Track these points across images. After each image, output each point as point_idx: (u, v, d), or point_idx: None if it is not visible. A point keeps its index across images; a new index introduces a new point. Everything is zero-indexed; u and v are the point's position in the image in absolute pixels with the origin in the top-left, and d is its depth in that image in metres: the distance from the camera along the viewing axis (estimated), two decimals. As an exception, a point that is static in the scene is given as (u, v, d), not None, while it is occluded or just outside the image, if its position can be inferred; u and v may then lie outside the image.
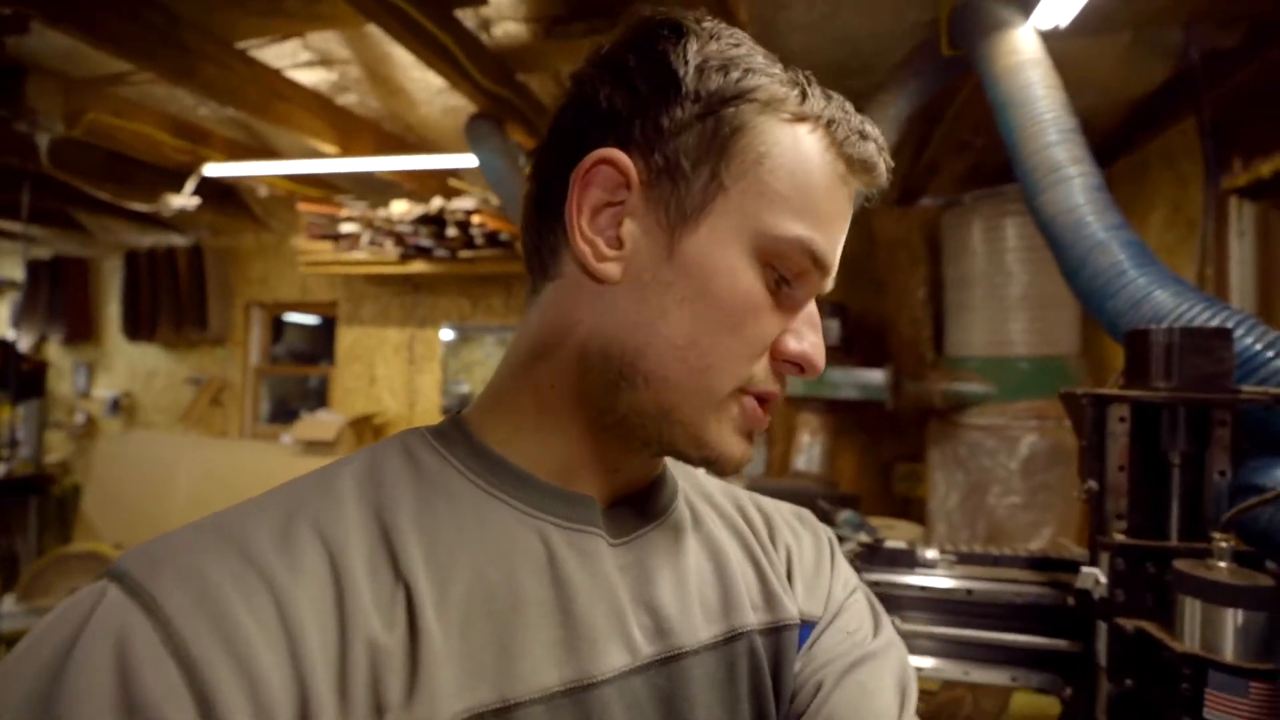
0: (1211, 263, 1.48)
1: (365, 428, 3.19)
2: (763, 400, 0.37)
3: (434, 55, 1.58)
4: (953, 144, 1.94)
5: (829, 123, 0.35)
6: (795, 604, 0.42)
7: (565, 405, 0.36)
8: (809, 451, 2.39)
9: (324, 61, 2.00)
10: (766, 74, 0.34)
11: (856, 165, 0.36)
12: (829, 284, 0.37)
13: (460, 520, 0.33)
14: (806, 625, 0.41)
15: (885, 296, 2.58)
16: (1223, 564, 0.68)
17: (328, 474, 0.34)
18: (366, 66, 2.00)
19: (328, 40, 1.86)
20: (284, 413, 3.86)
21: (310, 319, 4.22)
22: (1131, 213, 1.54)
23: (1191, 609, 0.69)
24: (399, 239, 2.68)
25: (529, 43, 1.75)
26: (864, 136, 0.36)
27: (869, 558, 0.92)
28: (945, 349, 2.18)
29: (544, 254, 0.37)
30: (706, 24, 0.35)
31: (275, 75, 1.95)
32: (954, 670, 0.87)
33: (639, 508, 0.39)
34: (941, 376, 2.05)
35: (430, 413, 3.40)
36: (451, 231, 2.53)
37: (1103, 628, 0.77)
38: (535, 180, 0.38)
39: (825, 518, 1.84)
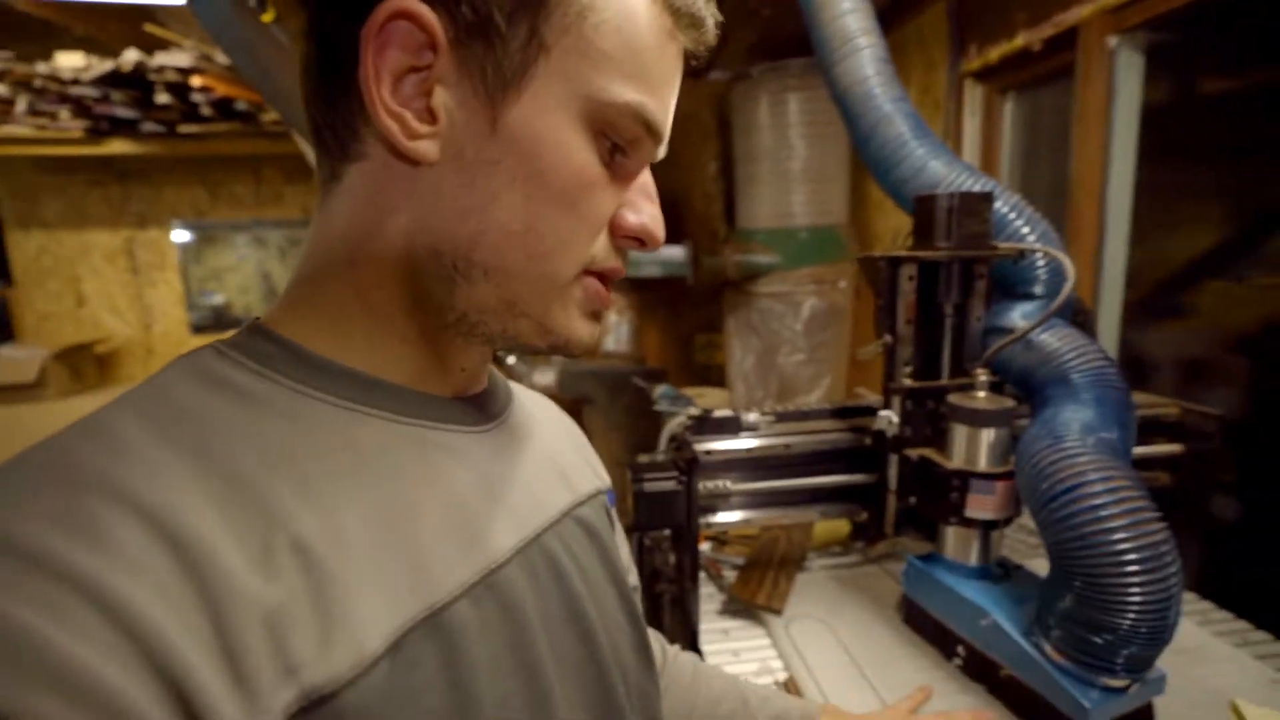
0: (952, 138, 1.70)
1: (83, 359, 2.54)
2: (604, 278, 0.36)
3: None
4: (742, 13, 1.93)
5: None
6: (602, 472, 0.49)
7: (397, 307, 0.33)
8: (617, 331, 2.44)
9: None
10: None
11: (684, 20, 0.33)
12: (662, 150, 0.36)
13: (319, 443, 0.30)
14: (609, 491, 0.49)
15: (678, 173, 2.61)
16: (981, 394, 0.82)
17: (100, 427, 0.27)
18: None
19: None
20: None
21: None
22: (893, 89, 1.69)
23: (959, 434, 0.82)
24: (80, 106, 2.02)
25: None
26: None
27: (699, 428, 0.96)
28: (736, 223, 2.29)
29: (339, 131, 0.32)
30: None
31: None
32: (775, 516, 0.97)
33: (485, 400, 0.40)
34: (734, 249, 2.17)
35: (176, 333, 2.81)
36: (163, 98, 1.96)
37: (894, 459, 0.90)
38: (314, 36, 0.31)
39: (642, 393, 1.92)
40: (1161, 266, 1.49)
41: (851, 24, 1.12)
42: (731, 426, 0.96)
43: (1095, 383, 0.78)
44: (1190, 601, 0.99)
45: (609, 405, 2.16)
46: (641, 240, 0.35)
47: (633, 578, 0.52)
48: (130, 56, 1.87)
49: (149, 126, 2.07)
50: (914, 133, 1.04)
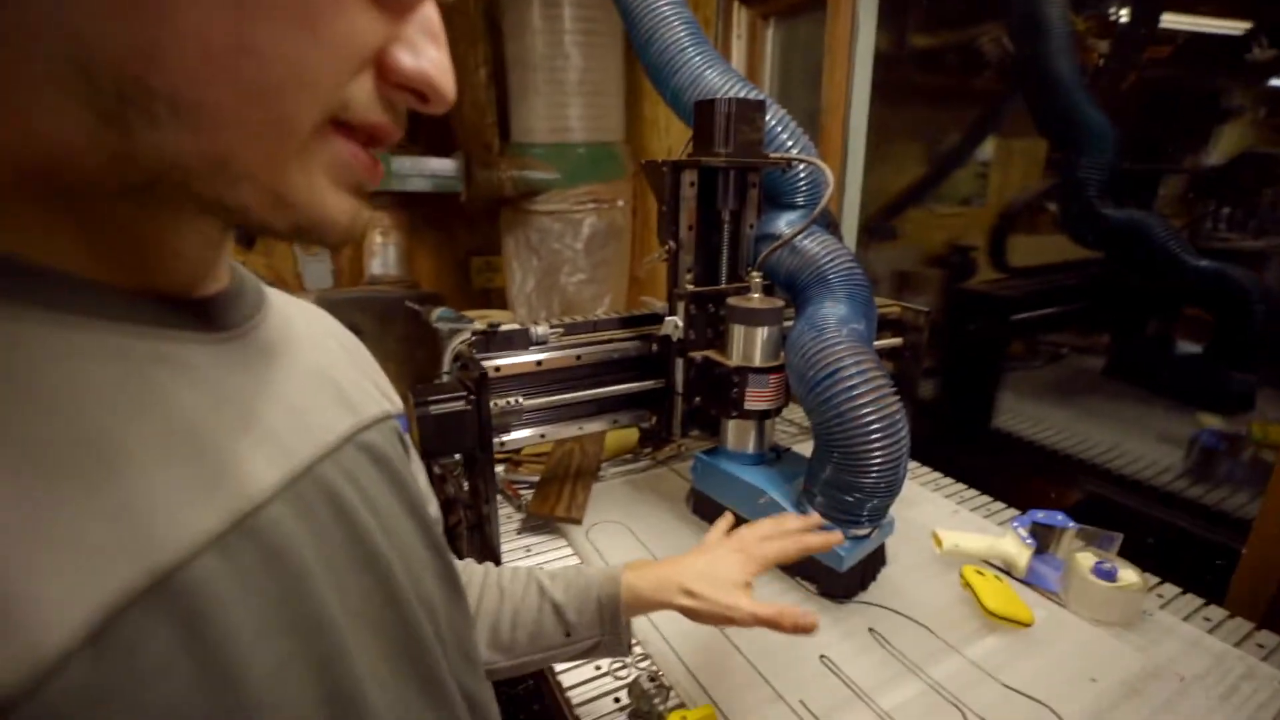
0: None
1: None
2: (371, 138, 0.26)
3: None
4: (507, -107, 1.74)
5: None
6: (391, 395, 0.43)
7: (55, 161, 0.21)
8: (384, 254, 2.19)
9: None
10: None
11: None
12: None
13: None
14: (400, 416, 0.43)
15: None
16: (755, 296, 0.88)
17: None
18: None
19: None
20: None
21: None
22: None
23: (737, 334, 0.88)
24: None
25: None
26: None
27: (485, 344, 0.90)
28: (511, 136, 2.16)
29: None
30: None
31: None
32: (569, 430, 0.96)
33: (223, 301, 0.30)
34: (509, 164, 2.05)
35: None
36: None
37: (679, 363, 0.94)
38: None
39: (418, 319, 1.76)
40: (881, 195, 1.75)
41: (628, -85, 1.06)
42: (520, 341, 0.91)
43: (847, 281, 0.88)
44: (911, 466, 1.22)
45: (380, 335, 1.95)
46: (422, 93, 0.26)
47: (433, 508, 0.45)
48: None
49: None
50: (692, 40, 1.03)
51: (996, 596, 0.79)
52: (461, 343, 0.91)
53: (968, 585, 0.81)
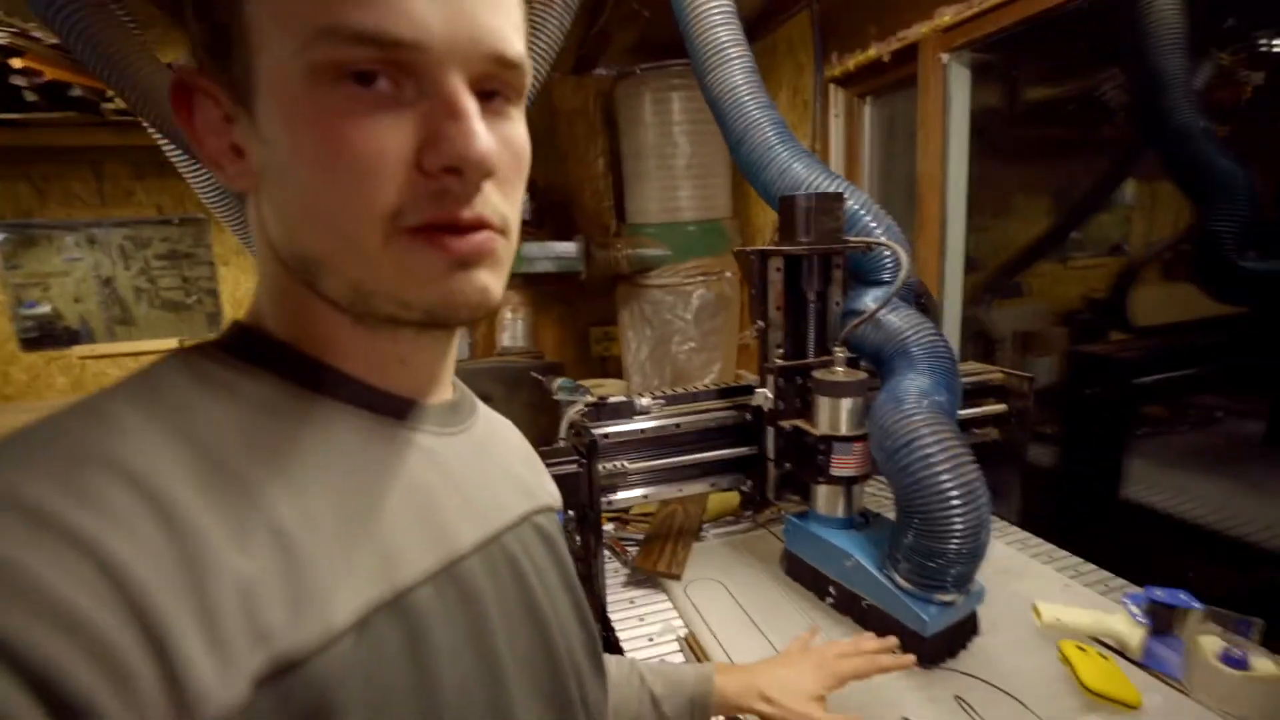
0: (820, 138, 1.87)
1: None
2: (448, 230, 0.31)
3: None
4: (622, 14, 2.00)
5: None
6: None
7: (318, 307, 0.34)
8: (513, 328, 2.45)
9: None
10: None
11: None
12: (459, 49, 0.30)
13: (299, 435, 0.32)
14: (560, 512, 0.51)
15: (567, 168, 2.66)
16: (840, 369, 0.95)
17: (94, 407, 0.29)
18: None
19: None
20: None
21: None
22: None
23: (823, 404, 0.94)
24: None
25: None
26: None
27: (596, 414, 1.03)
28: (626, 217, 2.37)
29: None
30: None
31: None
32: (670, 491, 1.06)
33: (452, 408, 0.41)
34: (625, 243, 2.25)
35: (3, 350, 2.49)
36: (-22, 81, 1.75)
37: (770, 431, 1.02)
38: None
39: (541, 388, 1.96)
40: (1001, 252, 1.73)
41: (723, 35, 1.21)
42: (626, 411, 1.03)
43: (929, 355, 0.93)
44: (1014, 531, 1.18)
45: (508, 401, 2.18)
46: (457, 169, 0.30)
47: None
48: None
49: (-43, 114, 1.83)
50: (779, 138, 1.15)
51: (1098, 674, 0.77)
52: (576, 412, 1.06)
53: (1066, 660, 0.80)
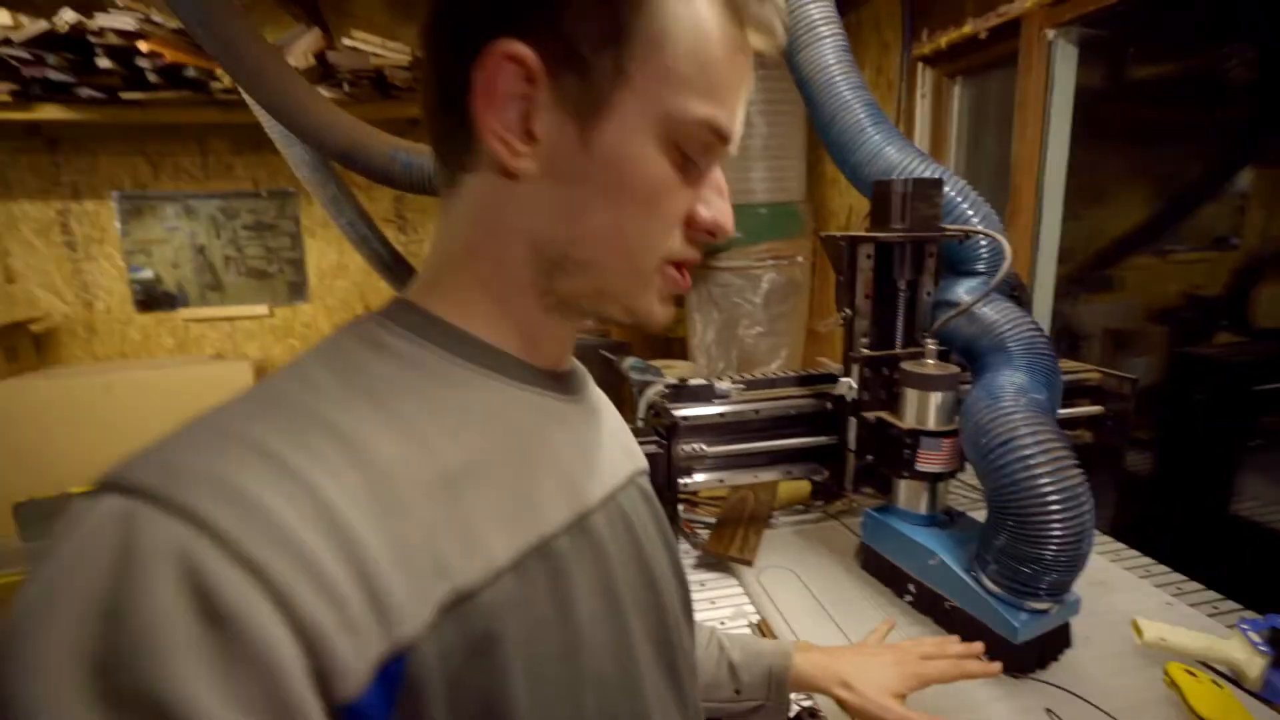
0: (904, 119, 1.79)
1: (19, 338, 2.43)
2: (681, 266, 0.40)
3: None
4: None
5: None
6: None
7: (510, 291, 0.39)
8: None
9: None
10: None
11: (755, 29, 0.37)
12: (733, 149, 0.39)
13: (461, 398, 0.37)
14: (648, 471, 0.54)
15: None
16: (930, 361, 0.91)
17: (302, 374, 0.34)
18: None
19: None
20: None
21: None
22: (849, 71, 1.76)
23: (911, 397, 0.92)
24: (7, 68, 1.91)
25: None
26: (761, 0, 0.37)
27: (676, 396, 1.03)
28: (698, 200, 2.35)
29: (456, 148, 0.38)
30: None
31: None
32: (745, 477, 1.06)
33: (571, 377, 0.45)
34: (696, 226, 2.23)
35: (120, 310, 2.69)
36: (104, 63, 1.87)
37: (852, 422, 0.99)
38: (431, 68, 0.38)
39: (609, 365, 1.97)
40: (1093, 243, 1.62)
41: (814, 13, 1.17)
42: (705, 394, 1.03)
43: (1027, 350, 0.88)
44: (1107, 542, 1.12)
45: (576, 378, 2.21)
46: (713, 232, 0.40)
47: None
48: (66, 17, 1.76)
49: (87, 92, 1.96)
50: (871, 120, 1.11)
51: (1212, 702, 0.72)
52: (656, 393, 1.06)
53: (1173, 685, 0.75)
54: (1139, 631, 0.83)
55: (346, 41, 2.00)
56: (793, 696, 0.68)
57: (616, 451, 0.47)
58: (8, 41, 1.82)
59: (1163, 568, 1.04)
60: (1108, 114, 1.49)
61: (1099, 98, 1.47)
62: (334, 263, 2.70)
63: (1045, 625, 0.79)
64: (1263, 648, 0.78)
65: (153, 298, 2.73)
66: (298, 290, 2.81)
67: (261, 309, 2.79)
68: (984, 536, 0.82)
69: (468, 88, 0.34)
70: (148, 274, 2.72)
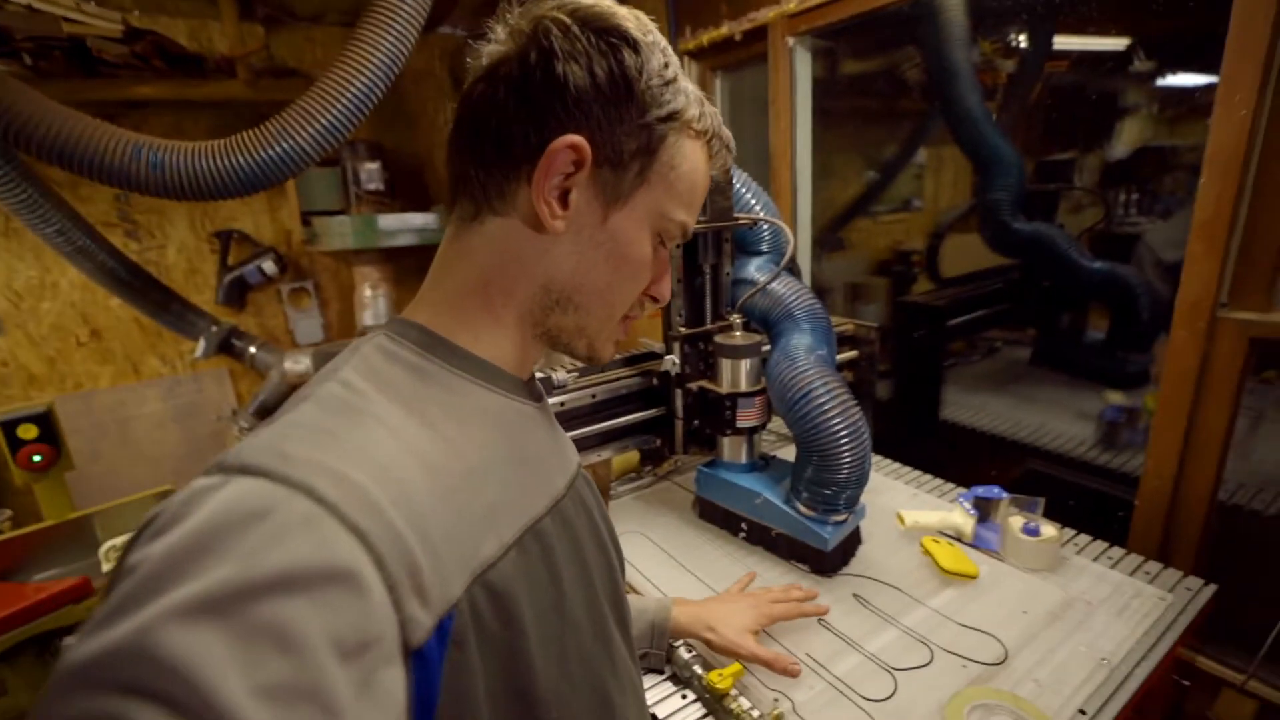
0: (677, 111, 1.96)
1: None
2: (628, 319, 0.53)
3: None
4: (471, -27, 1.92)
5: (711, 139, 0.49)
6: None
7: (513, 319, 0.48)
8: (375, 306, 2.32)
9: None
10: (685, 94, 0.47)
11: (719, 167, 0.52)
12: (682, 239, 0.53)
13: (467, 405, 0.45)
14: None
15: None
16: (737, 333, 1.07)
17: (344, 381, 0.41)
18: None
19: None
20: None
21: None
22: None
23: (726, 365, 1.07)
24: None
25: None
26: (728, 147, 0.51)
27: (517, 392, 1.06)
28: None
29: (489, 190, 0.46)
30: (649, 36, 0.45)
31: None
32: (592, 457, 1.13)
33: (534, 386, 0.54)
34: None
35: None
36: None
37: (678, 393, 1.12)
38: (490, 122, 0.44)
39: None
40: (829, 210, 1.97)
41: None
42: (545, 387, 1.08)
43: (810, 316, 1.08)
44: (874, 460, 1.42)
45: (381, 382, 2.09)
46: (656, 299, 0.53)
47: None
48: None
49: None
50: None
51: (950, 558, 0.99)
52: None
53: (927, 552, 1.01)
54: (901, 520, 1.09)
55: None
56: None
57: (568, 447, 0.57)
58: None
59: (907, 468, 1.35)
60: (833, 105, 1.81)
61: (827, 92, 1.78)
62: (34, 282, 2.15)
63: (845, 531, 1.00)
64: (972, 511, 1.08)
65: None
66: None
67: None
68: (794, 472, 1.00)
69: (533, 155, 0.43)
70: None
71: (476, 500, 0.41)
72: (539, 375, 1.09)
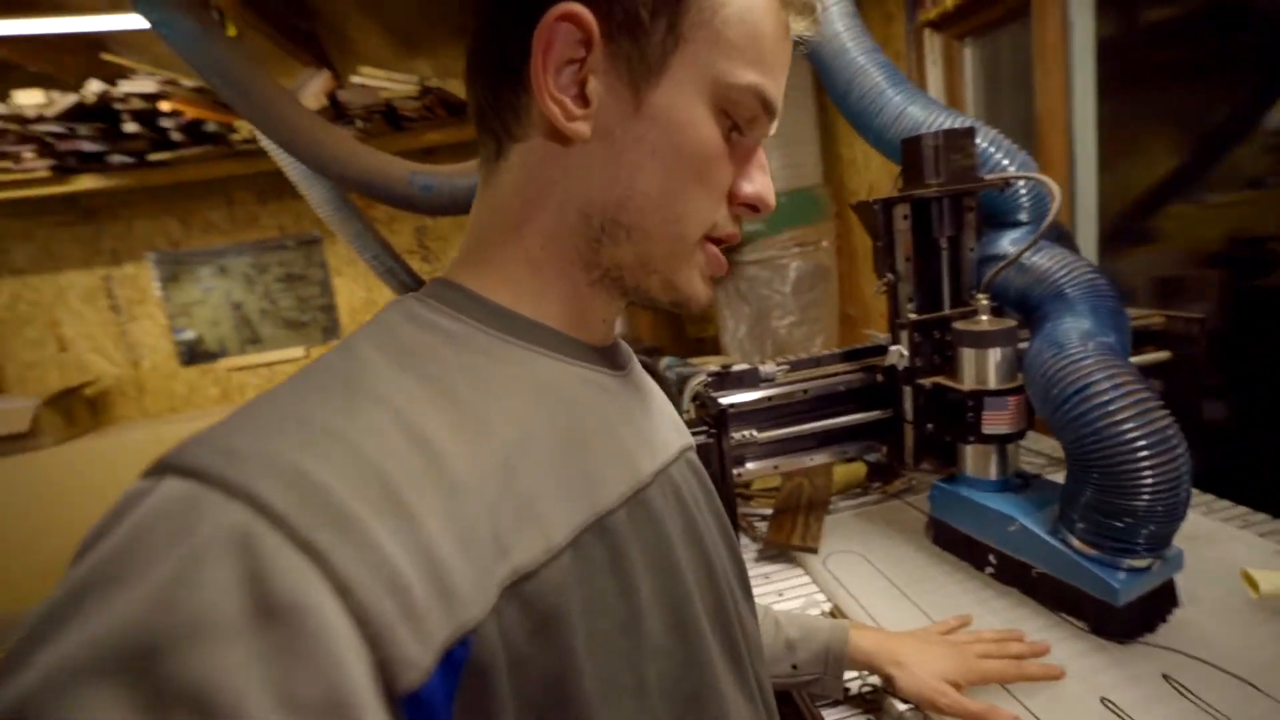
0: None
1: (74, 403, 2.50)
2: (721, 243, 0.40)
3: None
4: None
5: None
6: None
7: (556, 264, 0.39)
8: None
9: None
10: None
11: (797, 8, 0.38)
12: (774, 127, 0.40)
13: (511, 374, 0.36)
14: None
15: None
16: (984, 318, 0.87)
17: (354, 354, 0.33)
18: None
19: None
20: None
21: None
22: (854, 47, 1.72)
23: (967, 357, 0.87)
24: (43, 144, 1.99)
25: None
26: None
27: (719, 384, 1.00)
28: (714, 197, 2.33)
29: (504, 114, 0.38)
30: None
31: None
32: (801, 460, 1.02)
33: (617, 352, 0.45)
34: (715, 223, 2.21)
35: (165, 366, 2.76)
36: (131, 127, 1.93)
37: (907, 391, 0.95)
38: (484, 35, 0.37)
39: (648, 368, 1.94)
40: (1128, 195, 1.55)
41: (817, -18, 1.15)
42: (750, 379, 1.00)
43: (1088, 294, 0.83)
44: (1196, 495, 1.05)
45: (611, 388, 2.19)
46: (755, 207, 0.40)
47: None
48: (93, 88, 1.83)
49: (117, 158, 2.04)
50: (890, 81, 1.08)
51: (1342, 646, 0.66)
52: (699, 384, 1.03)
53: (1296, 631, 0.69)
54: (1253, 584, 0.76)
55: (355, 79, 2.04)
56: (853, 675, 0.68)
57: (666, 425, 0.46)
58: (41, 119, 1.89)
59: (1262, 515, 0.97)
60: (1127, 60, 1.43)
61: (1116, 44, 1.41)
62: (363, 299, 2.73)
63: (1147, 584, 0.73)
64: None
65: (196, 356, 2.81)
66: (331, 332, 2.86)
67: (298, 351, 2.84)
68: (1066, 494, 0.77)
69: (527, 52, 0.34)
70: (190, 335, 2.79)
71: (510, 490, 0.32)
72: (743, 366, 1.02)
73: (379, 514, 0.26)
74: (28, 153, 1.98)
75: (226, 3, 1.59)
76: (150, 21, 1.46)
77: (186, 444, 0.27)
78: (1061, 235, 0.99)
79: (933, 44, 1.76)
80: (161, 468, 0.26)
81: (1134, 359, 1.05)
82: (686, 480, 0.45)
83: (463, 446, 0.31)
